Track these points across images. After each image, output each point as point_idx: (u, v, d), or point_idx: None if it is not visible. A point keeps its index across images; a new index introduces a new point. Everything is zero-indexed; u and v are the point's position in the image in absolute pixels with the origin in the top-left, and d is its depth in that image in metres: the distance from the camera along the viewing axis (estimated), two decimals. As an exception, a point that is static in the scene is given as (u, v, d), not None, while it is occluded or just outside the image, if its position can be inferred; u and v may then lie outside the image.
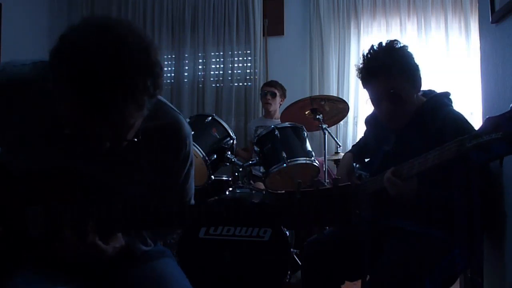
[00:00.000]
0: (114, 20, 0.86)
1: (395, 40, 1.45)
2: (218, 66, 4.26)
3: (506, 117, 1.01)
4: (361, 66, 1.48)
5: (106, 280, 1.10)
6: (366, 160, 1.77)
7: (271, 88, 3.54)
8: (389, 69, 1.39)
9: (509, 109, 1.00)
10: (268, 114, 3.59)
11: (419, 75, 1.47)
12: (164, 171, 1.13)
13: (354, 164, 1.73)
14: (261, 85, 4.03)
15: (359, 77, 1.50)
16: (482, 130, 1.06)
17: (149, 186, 1.11)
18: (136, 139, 0.95)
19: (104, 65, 0.79)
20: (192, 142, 1.17)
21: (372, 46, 1.46)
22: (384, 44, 1.44)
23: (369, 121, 1.76)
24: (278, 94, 3.54)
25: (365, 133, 1.83)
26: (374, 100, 1.48)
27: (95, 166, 1.03)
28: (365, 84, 1.49)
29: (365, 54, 1.47)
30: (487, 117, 1.06)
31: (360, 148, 1.82)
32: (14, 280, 0.95)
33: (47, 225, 0.99)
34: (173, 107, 1.14)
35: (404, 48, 1.44)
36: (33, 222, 0.99)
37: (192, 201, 1.25)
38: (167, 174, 1.14)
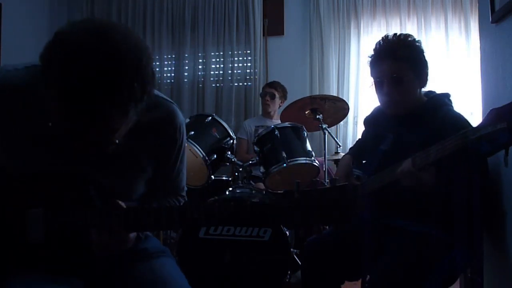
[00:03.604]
0: (110, 25, 0.85)
1: (410, 34, 1.50)
2: (218, 66, 4.26)
3: (509, 108, 1.02)
4: (372, 52, 1.53)
5: (105, 279, 1.09)
6: (364, 161, 1.77)
7: (271, 89, 3.51)
8: (396, 53, 1.44)
9: None
10: (267, 115, 3.57)
11: (426, 72, 1.49)
12: (162, 163, 1.15)
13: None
14: (261, 84, 4.03)
15: (369, 64, 1.54)
16: (486, 121, 1.06)
17: (148, 182, 1.13)
18: (127, 139, 0.95)
19: (91, 72, 0.78)
20: (185, 130, 1.18)
21: (387, 35, 1.51)
22: (398, 34, 1.49)
23: (368, 121, 1.76)
24: (277, 95, 3.50)
25: (363, 134, 1.83)
26: (378, 83, 1.50)
27: (92, 167, 1.02)
28: (373, 67, 1.53)
29: (378, 41, 1.51)
30: (490, 109, 1.07)
31: (358, 149, 1.82)
32: (12, 281, 0.95)
33: (48, 227, 0.99)
34: (164, 96, 1.14)
35: (416, 42, 1.49)
36: (33, 225, 0.99)
37: (185, 192, 1.28)
38: (164, 165, 1.16)
